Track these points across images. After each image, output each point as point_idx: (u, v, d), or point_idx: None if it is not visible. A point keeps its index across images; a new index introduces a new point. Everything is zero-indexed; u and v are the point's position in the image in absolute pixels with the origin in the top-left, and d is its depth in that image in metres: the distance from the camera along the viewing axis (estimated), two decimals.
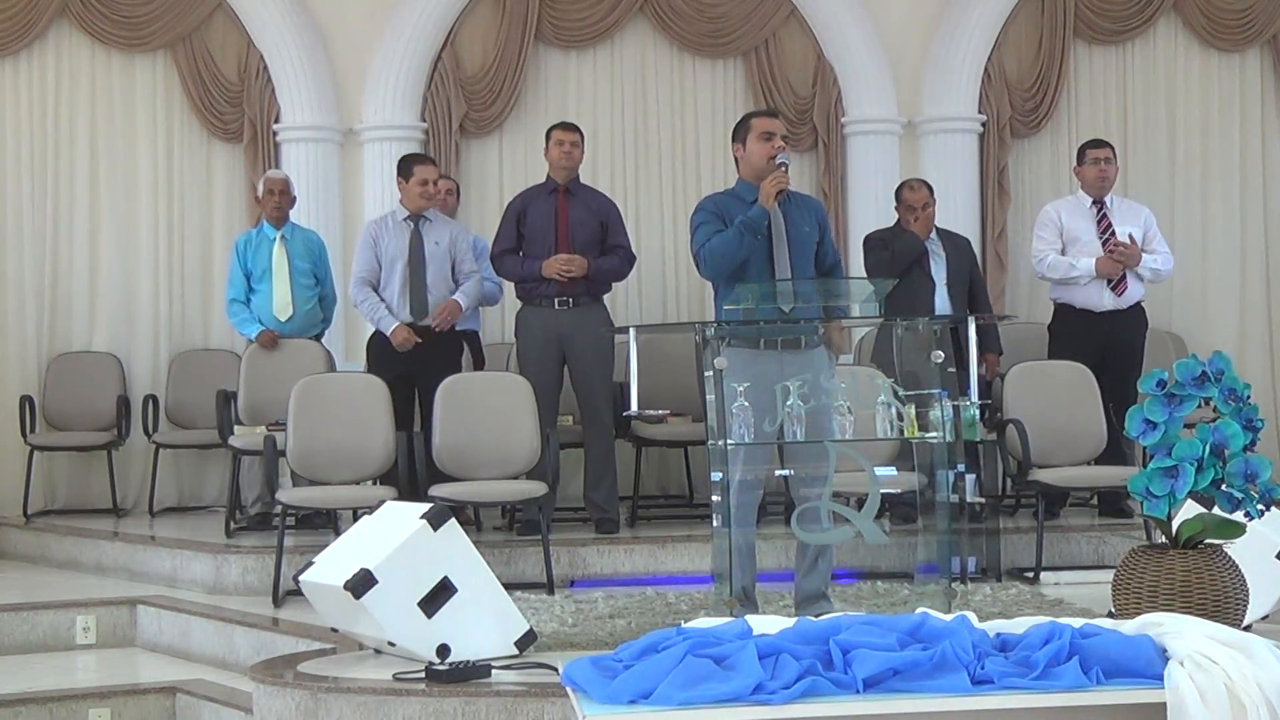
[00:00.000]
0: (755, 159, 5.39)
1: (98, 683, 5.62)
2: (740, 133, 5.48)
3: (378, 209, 8.10)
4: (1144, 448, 3.81)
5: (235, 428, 7.39)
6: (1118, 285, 7.34)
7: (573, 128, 7.25)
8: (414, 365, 7.00)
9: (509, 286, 7.57)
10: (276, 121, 8.58)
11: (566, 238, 7.03)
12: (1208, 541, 3.76)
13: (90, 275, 8.59)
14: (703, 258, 5.38)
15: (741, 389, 4.88)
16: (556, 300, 7.03)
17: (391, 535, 4.75)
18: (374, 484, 6.50)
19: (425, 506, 4.84)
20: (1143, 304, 7.49)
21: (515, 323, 7.29)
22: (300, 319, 7.64)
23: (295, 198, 7.85)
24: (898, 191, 7.60)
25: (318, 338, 7.77)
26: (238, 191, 8.63)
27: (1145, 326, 7.52)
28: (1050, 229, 7.51)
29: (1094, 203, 7.49)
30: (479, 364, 7.78)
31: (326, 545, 5.13)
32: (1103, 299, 7.35)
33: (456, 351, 7.34)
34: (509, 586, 5.16)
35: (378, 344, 7.23)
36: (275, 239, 7.68)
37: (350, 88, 8.67)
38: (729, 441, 4.88)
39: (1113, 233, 7.40)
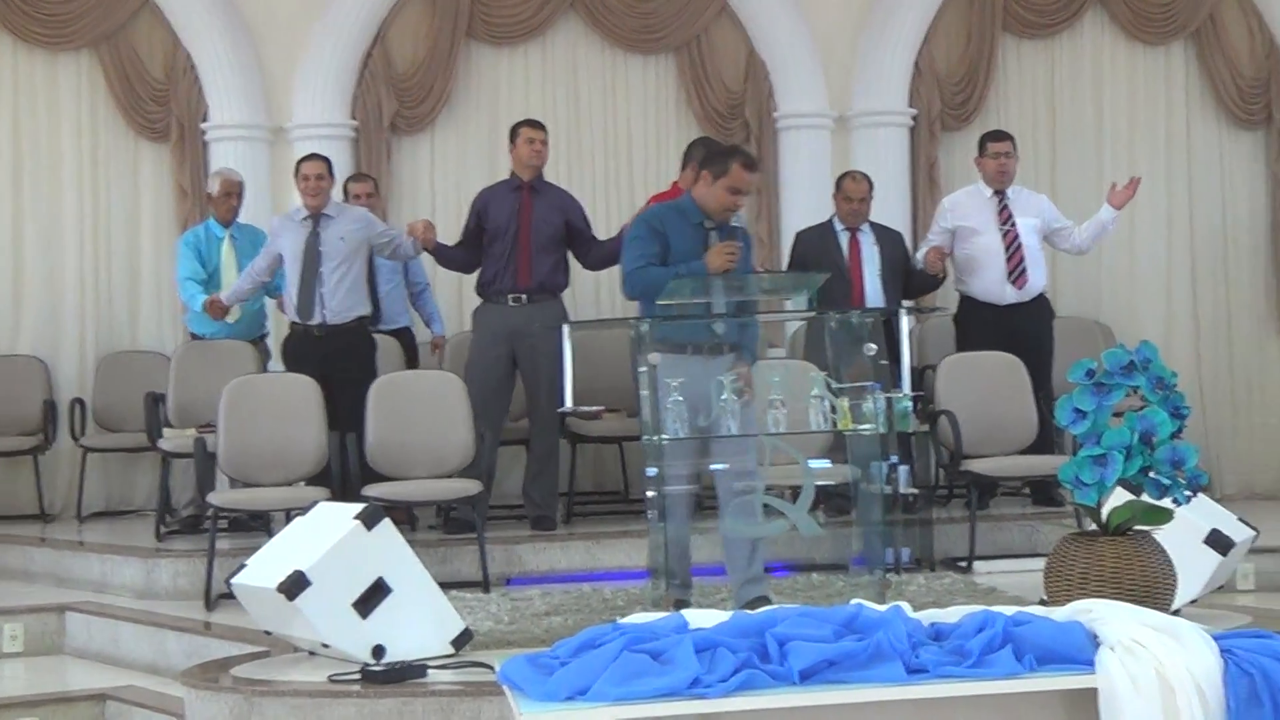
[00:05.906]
0: (715, 202, 5.35)
1: (26, 691, 5.53)
2: (717, 164, 5.37)
3: None
4: (1074, 436, 3.85)
5: (164, 430, 7.30)
6: (1017, 279, 7.39)
7: (540, 125, 7.24)
8: (325, 365, 6.85)
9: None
10: (204, 120, 8.48)
11: (529, 234, 7.00)
12: (1137, 528, 3.81)
13: (14, 276, 8.44)
14: (632, 281, 5.40)
15: (676, 384, 4.88)
16: (510, 297, 7.00)
17: (325, 536, 4.72)
18: (306, 485, 6.45)
19: (359, 507, 4.82)
20: (1046, 294, 7.56)
21: (472, 319, 7.26)
22: (248, 319, 7.59)
23: None
24: (839, 181, 7.65)
25: (263, 338, 7.71)
26: (165, 190, 8.51)
27: (1051, 316, 7.58)
28: (936, 226, 7.64)
29: (995, 193, 7.55)
30: (411, 363, 7.71)
31: (259, 547, 5.08)
32: (1004, 293, 7.40)
33: (369, 350, 7.12)
34: (444, 585, 5.13)
35: (291, 343, 7.17)
36: (224, 238, 7.60)
37: (279, 85, 8.57)
38: (664, 437, 4.89)
39: (1013, 223, 7.46)
